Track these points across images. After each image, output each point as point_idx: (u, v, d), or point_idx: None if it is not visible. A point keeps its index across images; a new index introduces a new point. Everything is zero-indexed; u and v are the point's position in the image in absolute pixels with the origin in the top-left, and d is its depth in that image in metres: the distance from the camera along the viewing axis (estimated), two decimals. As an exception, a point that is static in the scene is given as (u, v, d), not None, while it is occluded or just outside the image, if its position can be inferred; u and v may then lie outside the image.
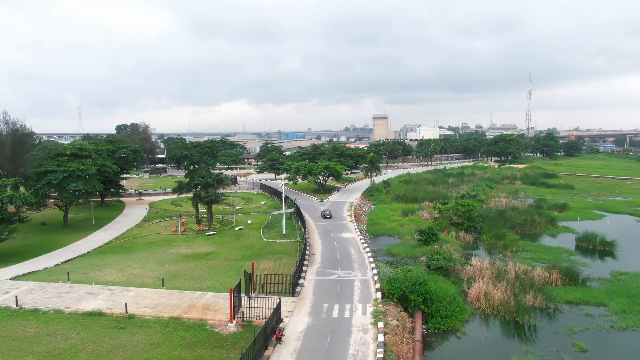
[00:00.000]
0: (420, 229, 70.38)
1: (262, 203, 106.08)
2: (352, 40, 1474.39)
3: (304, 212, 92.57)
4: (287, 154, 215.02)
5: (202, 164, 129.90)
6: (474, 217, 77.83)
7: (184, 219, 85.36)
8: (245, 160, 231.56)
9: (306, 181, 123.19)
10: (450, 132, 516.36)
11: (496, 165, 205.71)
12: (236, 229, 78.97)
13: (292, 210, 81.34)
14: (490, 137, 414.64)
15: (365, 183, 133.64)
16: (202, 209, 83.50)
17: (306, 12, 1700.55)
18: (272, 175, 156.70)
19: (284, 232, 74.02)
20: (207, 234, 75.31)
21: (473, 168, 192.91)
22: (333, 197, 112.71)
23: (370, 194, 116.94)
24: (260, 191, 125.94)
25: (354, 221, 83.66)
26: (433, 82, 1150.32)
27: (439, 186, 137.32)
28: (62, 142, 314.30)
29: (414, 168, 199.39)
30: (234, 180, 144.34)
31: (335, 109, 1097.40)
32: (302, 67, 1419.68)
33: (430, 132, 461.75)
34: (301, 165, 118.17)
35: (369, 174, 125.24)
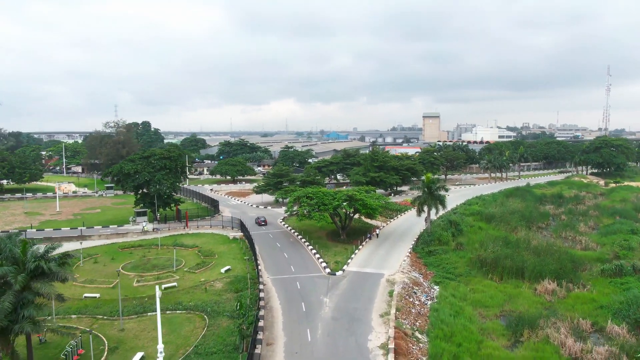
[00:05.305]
0: None
1: (224, 270, 56.25)
2: (407, 35, 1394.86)
3: (282, 318, 41.35)
4: (317, 159, 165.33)
5: (155, 185, 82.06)
6: None
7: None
8: (262, 169, 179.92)
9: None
10: (512, 133, 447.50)
11: (602, 182, 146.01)
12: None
13: None
14: (560, 138, 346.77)
15: (414, 220, 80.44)
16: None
17: (360, 3, 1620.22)
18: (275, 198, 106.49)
19: None
20: None
21: (569, 186, 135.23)
22: (358, 259, 60.71)
23: (427, 250, 64.43)
24: (242, 234, 75.64)
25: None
26: (488, 80, 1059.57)
27: (542, 226, 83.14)
28: (44, 140, 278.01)
29: (483, 183, 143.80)
30: (215, 208, 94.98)
31: (384, 108, 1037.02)
32: (353, 64, 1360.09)
33: (488, 133, 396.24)
34: (304, 195, 67.11)
35: (426, 209, 72.34)
